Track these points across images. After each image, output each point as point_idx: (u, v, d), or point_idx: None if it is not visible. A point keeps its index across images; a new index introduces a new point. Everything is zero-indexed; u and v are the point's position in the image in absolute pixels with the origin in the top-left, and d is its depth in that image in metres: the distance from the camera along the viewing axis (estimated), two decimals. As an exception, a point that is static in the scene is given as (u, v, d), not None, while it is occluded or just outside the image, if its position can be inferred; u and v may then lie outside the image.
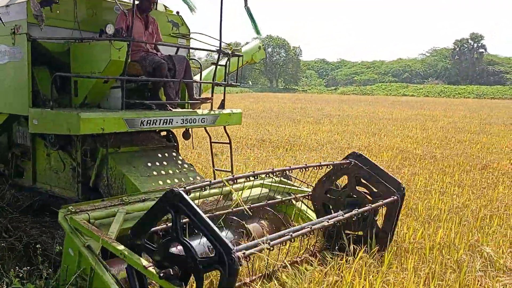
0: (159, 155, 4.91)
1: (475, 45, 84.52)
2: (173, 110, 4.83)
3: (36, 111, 4.34)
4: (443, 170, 8.92)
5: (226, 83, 5.45)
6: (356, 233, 4.30)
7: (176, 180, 4.63)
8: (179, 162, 4.99)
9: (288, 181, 5.10)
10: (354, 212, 3.96)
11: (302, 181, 5.07)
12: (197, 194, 3.85)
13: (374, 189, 4.37)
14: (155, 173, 4.58)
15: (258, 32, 5.80)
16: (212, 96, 5.26)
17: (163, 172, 4.66)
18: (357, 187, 4.45)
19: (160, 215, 2.92)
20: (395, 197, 4.19)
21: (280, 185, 4.87)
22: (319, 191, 4.56)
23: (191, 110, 5.10)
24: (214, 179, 4.97)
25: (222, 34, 5.03)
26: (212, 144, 5.97)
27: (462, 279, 3.70)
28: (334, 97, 57.37)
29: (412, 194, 6.63)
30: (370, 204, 4.16)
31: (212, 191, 4.19)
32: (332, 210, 4.50)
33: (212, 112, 5.18)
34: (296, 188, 4.97)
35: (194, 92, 5.27)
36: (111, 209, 3.56)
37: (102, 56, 4.14)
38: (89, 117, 3.93)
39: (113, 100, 4.62)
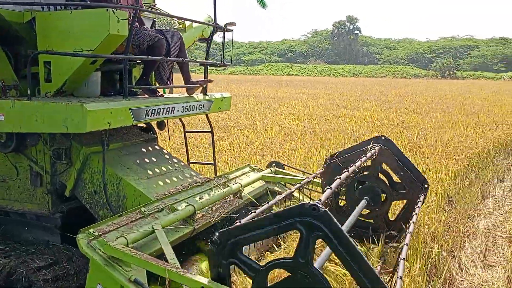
0: (144, 150, 4.17)
1: (351, 27, 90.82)
2: (165, 95, 4.18)
3: (4, 102, 3.25)
4: (321, 144, 9.62)
5: (221, 63, 4.86)
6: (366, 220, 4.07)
7: (175, 179, 3.98)
8: (167, 157, 4.32)
9: (284, 171, 4.73)
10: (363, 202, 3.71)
11: (303, 171, 4.77)
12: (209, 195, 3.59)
13: (397, 179, 4.04)
14: (150, 173, 3.86)
15: (263, 4, 5.16)
16: (206, 77, 4.66)
17: (157, 171, 3.96)
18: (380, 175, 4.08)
19: (276, 234, 2.15)
20: (422, 195, 3.90)
21: (287, 177, 4.54)
22: (329, 177, 4.01)
23: (188, 96, 4.42)
24: None
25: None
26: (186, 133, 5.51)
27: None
28: (223, 77, 57.77)
29: (293, 166, 7.05)
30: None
31: (221, 191, 3.81)
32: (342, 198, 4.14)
33: (207, 98, 4.56)
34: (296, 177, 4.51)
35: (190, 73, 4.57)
36: (141, 226, 2.85)
37: (96, 28, 3.23)
38: (96, 109, 3.08)
39: (91, 85, 3.81)
